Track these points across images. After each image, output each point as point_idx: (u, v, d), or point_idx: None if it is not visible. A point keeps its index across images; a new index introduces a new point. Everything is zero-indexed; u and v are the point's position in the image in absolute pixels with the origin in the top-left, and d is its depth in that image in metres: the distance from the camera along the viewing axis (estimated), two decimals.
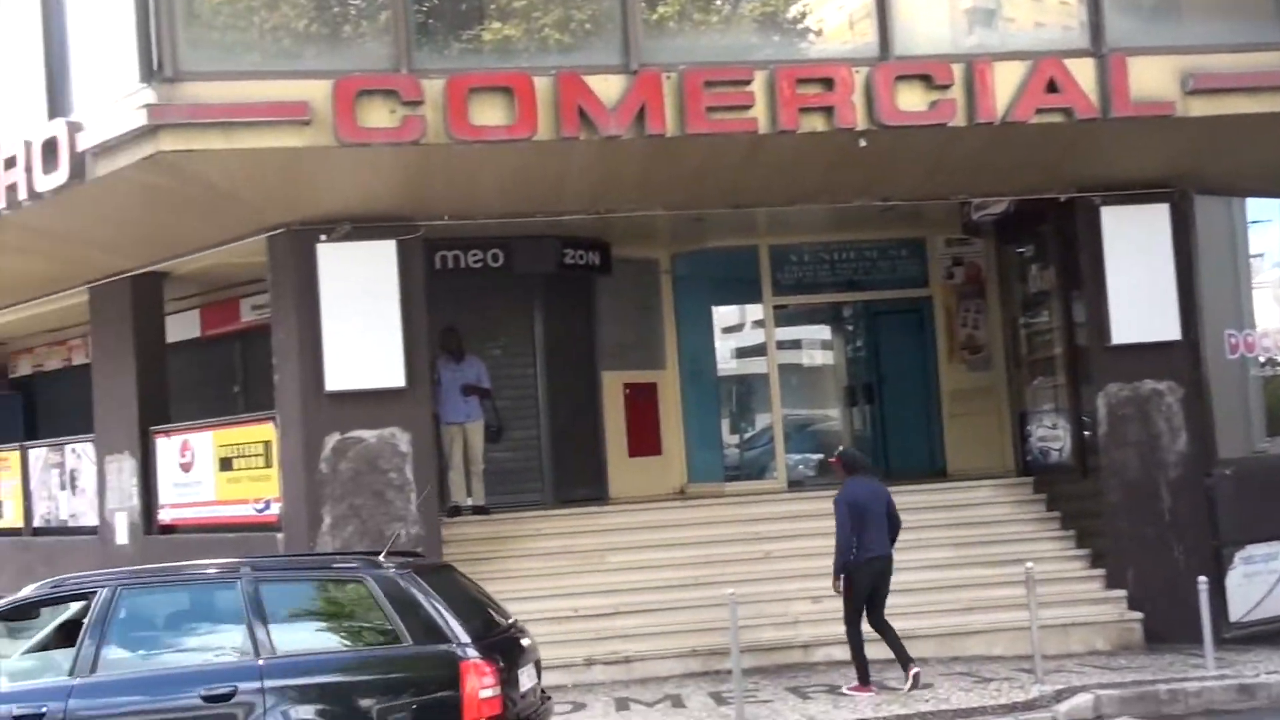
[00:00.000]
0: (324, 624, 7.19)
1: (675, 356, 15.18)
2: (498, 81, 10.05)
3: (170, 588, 7.40)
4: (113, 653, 6.86)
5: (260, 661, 6.68)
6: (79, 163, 10.44)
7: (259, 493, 12.03)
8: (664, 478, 14.86)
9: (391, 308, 11.49)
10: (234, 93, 9.82)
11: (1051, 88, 10.68)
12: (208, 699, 6.55)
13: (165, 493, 13.00)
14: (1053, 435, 13.17)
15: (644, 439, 14.76)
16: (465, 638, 6.73)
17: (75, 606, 7.11)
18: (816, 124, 10.46)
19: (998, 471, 14.18)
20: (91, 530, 13.77)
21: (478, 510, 13.03)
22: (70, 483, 14.42)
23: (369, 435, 11.59)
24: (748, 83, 10.35)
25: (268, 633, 6.79)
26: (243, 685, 6.57)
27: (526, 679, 7.23)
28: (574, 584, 12.02)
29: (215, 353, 15.98)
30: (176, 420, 13.31)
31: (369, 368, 11.47)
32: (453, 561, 11.72)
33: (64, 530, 14.41)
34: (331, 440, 11.53)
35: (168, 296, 13.97)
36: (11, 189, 11.06)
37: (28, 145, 10.86)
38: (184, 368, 14.86)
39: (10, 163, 11.06)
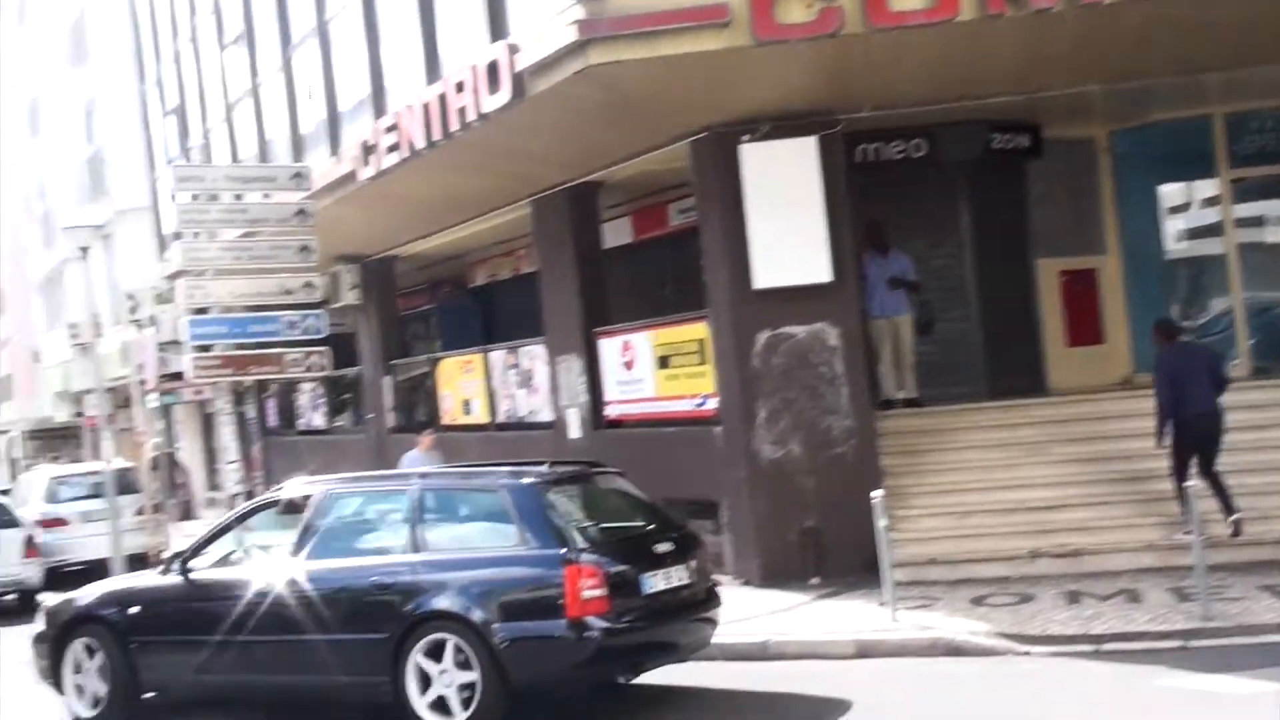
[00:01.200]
0: (469, 527, 8.34)
1: (1116, 240, 14.30)
2: None
3: (364, 494, 9.04)
4: (319, 542, 8.49)
5: (415, 558, 8.03)
6: (518, 82, 11.02)
7: (696, 389, 12.50)
8: (1106, 368, 14.07)
9: (815, 204, 11.51)
10: (655, 1, 10.00)
11: None
12: (376, 586, 8.02)
13: (610, 390, 13.78)
14: None
15: (1083, 328, 14.04)
16: (580, 543, 7.77)
17: (304, 504, 8.79)
18: None
19: None
20: (547, 425, 14.82)
21: (910, 403, 12.90)
22: (526, 382, 15.57)
23: (799, 331, 11.74)
24: None
25: (424, 534, 8.13)
26: (401, 577, 7.97)
27: (663, 580, 8.07)
28: (1015, 476, 11.69)
29: (646, 257, 16.65)
30: (616, 322, 14.02)
31: (795, 265, 11.59)
32: (888, 453, 11.86)
33: (523, 425, 15.56)
34: (763, 337, 11.77)
35: (602, 205, 14.67)
36: (461, 112, 11.88)
37: (474, 69, 11.61)
38: (619, 272, 15.58)
39: (459, 87, 11.88)
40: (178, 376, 22.94)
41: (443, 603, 7.75)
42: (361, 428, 20.21)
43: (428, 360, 18.41)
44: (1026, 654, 8.76)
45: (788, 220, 11.54)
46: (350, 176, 14.72)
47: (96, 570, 15.16)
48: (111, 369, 26.67)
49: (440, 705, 7.71)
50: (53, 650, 9.26)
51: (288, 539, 8.71)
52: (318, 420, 22.24)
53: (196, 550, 9.17)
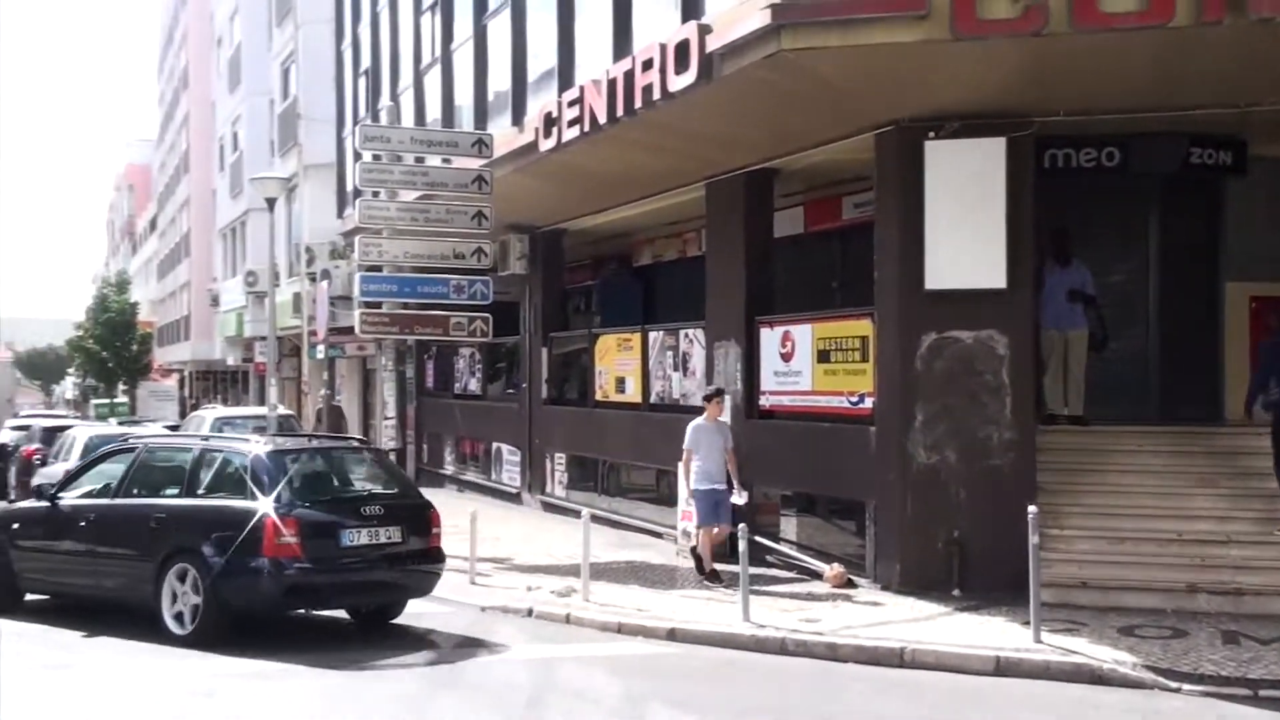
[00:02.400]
0: (226, 481, 10.70)
1: None
2: None
3: (169, 449, 11.89)
4: (133, 483, 11.26)
5: (184, 502, 10.74)
6: (706, 63, 11.01)
7: (853, 386, 12.34)
8: None
9: (996, 207, 11.24)
10: None
11: None
12: (155, 520, 10.66)
13: (766, 380, 13.70)
14: None
15: None
16: (287, 500, 10.16)
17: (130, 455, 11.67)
18: None
19: None
20: (699, 410, 14.76)
21: (1075, 420, 12.53)
22: (682, 365, 15.59)
23: (966, 336, 11.50)
24: None
25: (196, 484, 10.78)
26: (170, 515, 10.63)
27: (367, 536, 10.42)
28: (1179, 506, 11.27)
29: (816, 248, 16.48)
30: (779, 312, 13.92)
31: (970, 268, 11.35)
32: (1046, 469, 11.52)
33: (675, 408, 15.56)
34: (928, 339, 11.56)
35: (777, 193, 14.56)
36: (647, 89, 11.93)
37: (662, 48, 11.64)
38: (786, 262, 15.46)
39: (647, 65, 11.93)
40: (345, 331, 23.60)
41: (188, 539, 10.30)
42: (514, 396, 20.53)
43: (587, 335, 18.56)
44: (1178, 690, 8.46)
45: (967, 222, 11.29)
46: (531, 147, 14.92)
47: None
48: (283, 318, 27.62)
49: (179, 618, 10.24)
50: None
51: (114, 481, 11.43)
52: (473, 385, 22.70)
53: (64, 484, 12.07)
